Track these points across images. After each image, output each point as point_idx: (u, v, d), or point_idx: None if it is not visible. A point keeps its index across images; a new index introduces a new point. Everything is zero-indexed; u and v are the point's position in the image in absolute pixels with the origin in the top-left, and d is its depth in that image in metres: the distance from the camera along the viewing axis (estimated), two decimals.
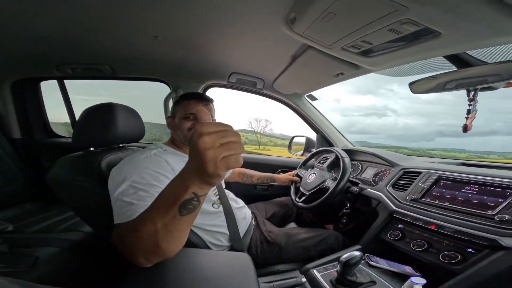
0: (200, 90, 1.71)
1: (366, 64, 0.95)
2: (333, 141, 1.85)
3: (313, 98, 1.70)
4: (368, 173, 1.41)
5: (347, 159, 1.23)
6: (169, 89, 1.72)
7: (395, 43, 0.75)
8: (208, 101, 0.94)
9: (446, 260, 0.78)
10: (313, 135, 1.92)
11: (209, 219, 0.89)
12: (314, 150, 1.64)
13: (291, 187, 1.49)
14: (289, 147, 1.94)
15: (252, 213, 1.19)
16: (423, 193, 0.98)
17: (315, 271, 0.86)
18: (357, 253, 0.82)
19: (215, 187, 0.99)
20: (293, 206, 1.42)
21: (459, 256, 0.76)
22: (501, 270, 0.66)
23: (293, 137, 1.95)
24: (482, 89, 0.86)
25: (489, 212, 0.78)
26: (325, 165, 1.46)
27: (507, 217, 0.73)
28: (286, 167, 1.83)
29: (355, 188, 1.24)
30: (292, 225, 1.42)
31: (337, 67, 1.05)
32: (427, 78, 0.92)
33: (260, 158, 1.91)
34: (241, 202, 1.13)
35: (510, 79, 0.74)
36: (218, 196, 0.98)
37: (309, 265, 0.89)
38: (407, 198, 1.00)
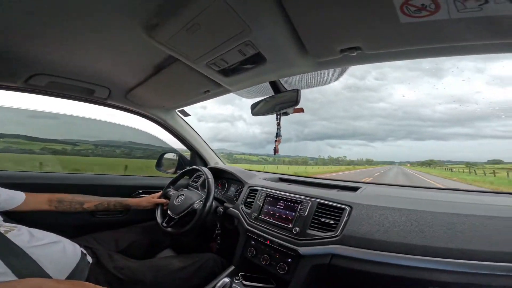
0: None
1: (225, 84, 1.04)
2: (205, 159, 1.87)
3: (186, 114, 1.68)
4: (232, 191, 1.48)
5: (211, 180, 1.23)
6: None
7: (243, 65, 0.85)
8: None
9: (281, 271, 0.92)
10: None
11: None
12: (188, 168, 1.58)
13: (156, 211, 1.30)
14: (158, 164, 1.78)
15: (88, 247, 0.92)
16: (259, 210, 1.10)
17: None
18: (226, 280, 0.85)
19: None
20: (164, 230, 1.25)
21: (286, 267, 0.91)
22: (305, 275, 0.85)
23: (162, 154, 1.83)
24: (283, 114, 1.04)
25: (290, 225, 0.95)
26: (198, 184, 1.45)
27: (298, 229, 0.91)
28: (149, 188, 1.61)
29: (220, 208, 1.28)
30: (168, 252, 1.25)
31: (204, 84, 1.08)
32: (260, 101, 1.10)
33: (110, 178, 1.57)
34: (50, 237, 0.80)
35: (295, 105, 0.97)
36: None
37: None
38: (252, 216, 1.11)
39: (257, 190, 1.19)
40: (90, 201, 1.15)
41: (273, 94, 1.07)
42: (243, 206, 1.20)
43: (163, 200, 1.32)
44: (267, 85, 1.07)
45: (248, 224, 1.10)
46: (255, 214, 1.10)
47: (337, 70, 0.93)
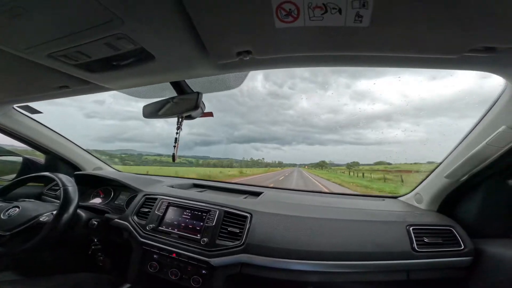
0: None
1: (95, 80, 0.80)
2: (77, 164, 1.48)
3: (33, 111, 1.20)
4: (122, 199, 1.27)
5: (71, 188, 1.01)
6: None
7: (123, 60, 0.68)
8: None
9: (195, 284, 0.85)
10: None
11: None
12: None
13: None
14: None
15: None
16: (158, 221, 0.98)
17: None
18: None
19: None
20: None
21: (200, 279, 0.85)
22: (220, 286, 0.83)
23: None
24: (186, 117, 0.91)
25: (198, 236, 0.90)
26: (58, 193, 1.12)
27: (206, 239, 0.87)
28: None
29: (94, 221, 1.06)
30: (8, 276, 1.04)
31: (55, 78, 0.79)
32: (154, 102, 0.93)
33: None
34: None
35: (195, 110, 0.86)
36: None
37: None
38: (147, 227, 0.98)
39: (155, 199, 1.06)
40: None
41: (175, 95, 0.91)
42: (135, 217, 1.04)
43: None
44: (168, 85, 0.89)
45: (142, 237, 0.97)
46: (152, 225, 0.97)
47: (238, 75, 0.89)
